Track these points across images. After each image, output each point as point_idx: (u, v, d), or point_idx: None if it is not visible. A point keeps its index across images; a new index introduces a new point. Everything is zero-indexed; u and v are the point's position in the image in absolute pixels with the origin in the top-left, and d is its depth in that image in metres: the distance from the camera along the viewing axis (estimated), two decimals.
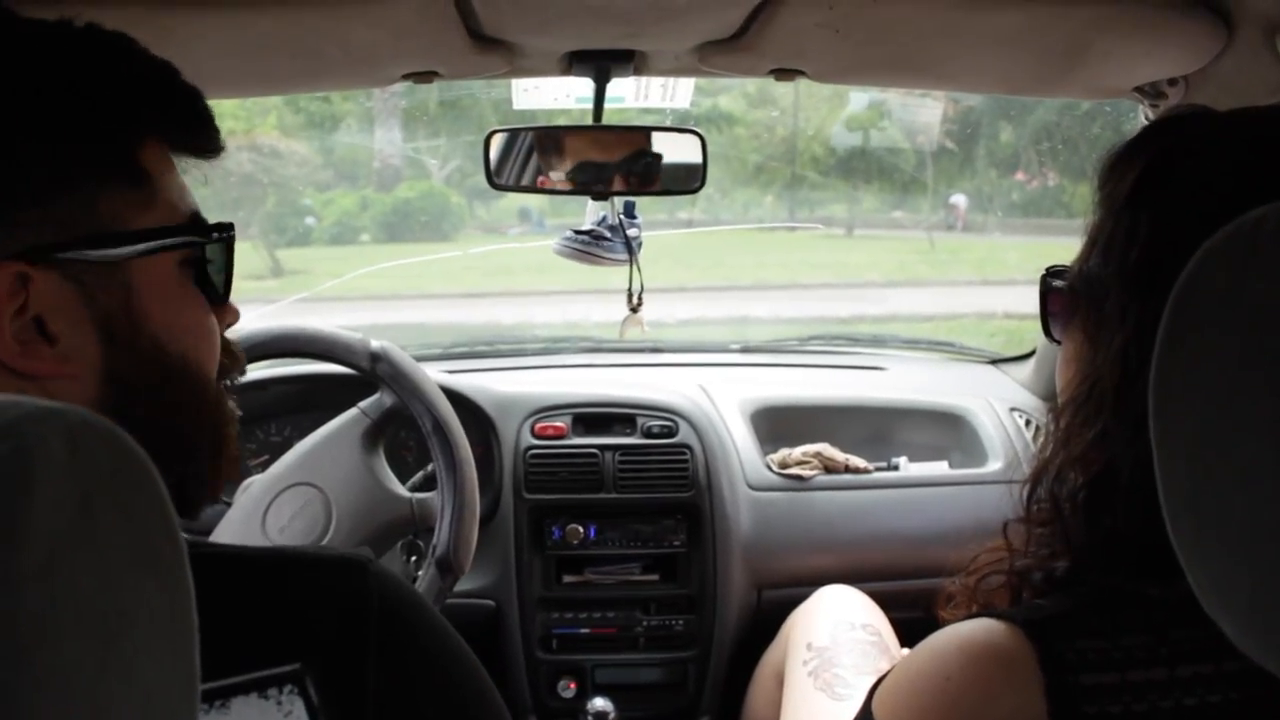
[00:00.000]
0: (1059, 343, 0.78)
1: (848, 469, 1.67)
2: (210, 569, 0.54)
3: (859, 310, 5.74)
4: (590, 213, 1.46)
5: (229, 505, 1.33)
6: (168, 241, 0.59)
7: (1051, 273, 0.79)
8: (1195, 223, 0.60)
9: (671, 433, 1.63)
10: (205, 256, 0.62)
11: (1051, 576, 0.69)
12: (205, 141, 0.63)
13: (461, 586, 1.30)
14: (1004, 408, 1.77)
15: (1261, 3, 0.98)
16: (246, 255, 0.66)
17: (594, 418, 1.65)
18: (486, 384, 1.68)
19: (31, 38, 0.57)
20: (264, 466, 1.37)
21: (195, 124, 0.63)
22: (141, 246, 0.58)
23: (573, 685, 1.59)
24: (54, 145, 0.55)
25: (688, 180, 1.30)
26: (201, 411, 0.63)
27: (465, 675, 0.64)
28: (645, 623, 1.60)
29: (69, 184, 0.55)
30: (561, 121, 1.57)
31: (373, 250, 6.39)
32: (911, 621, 1.14)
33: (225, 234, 0.64)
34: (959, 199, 5.98)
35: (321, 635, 0.57)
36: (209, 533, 1.30)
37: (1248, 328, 0.53)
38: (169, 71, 0.61)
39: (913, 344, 2.24)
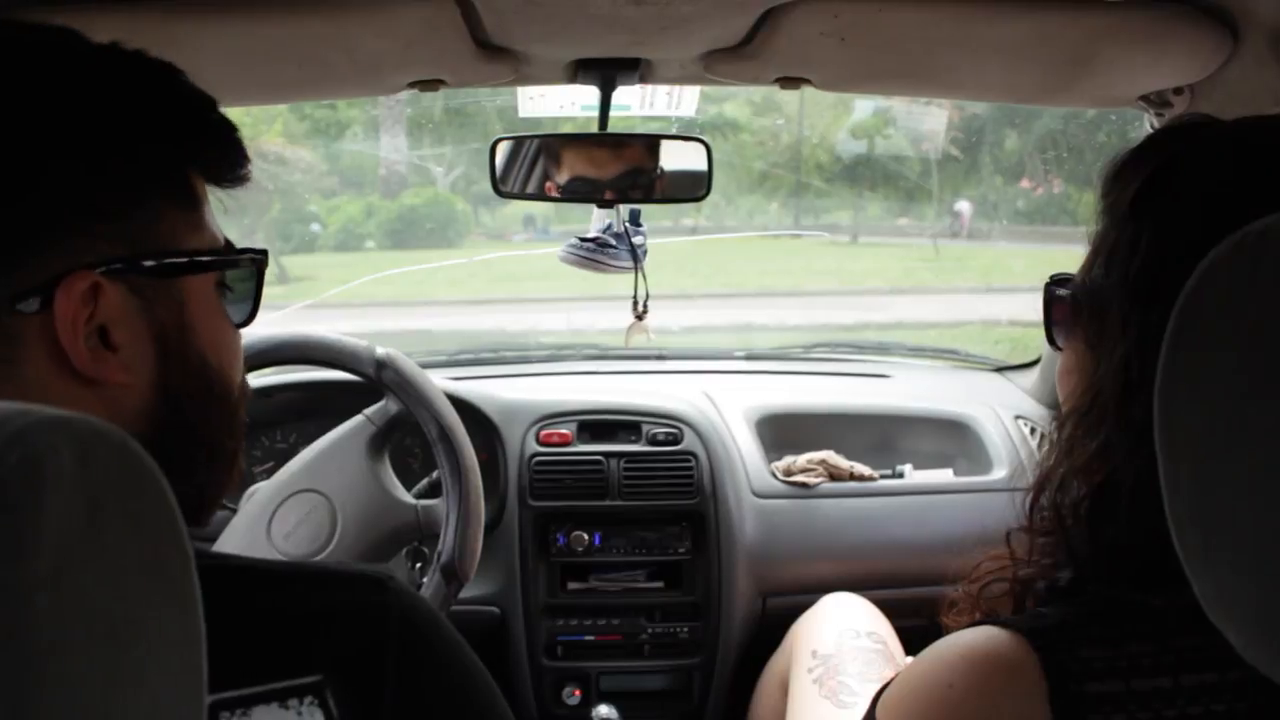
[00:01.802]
0: (1062, 350, 0.78)
1: (852, 476, 1.67)
2: (235, 582, 0.57)
3: (863, 317, 5.74)
4: (596, 220, 1.46)
5: (234, 512, 1.33)
6: (218, 260, 0.63)
7: (1055, 281, 0.79)
8: (1197, 233, 0.60)
9: (676, 440, 1.63)
10: (236, 279, 0.66)
11: (1055, 586, 0.69)
12: (237, 171, 0.66)
13: (466, 594, 1.30)
14: (1009, 415, 1.77)
15: (1267, 12, 0.98)
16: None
17: (599, 425, 1.65)
18: (491, 391, 1.69)
19: (97, 59, 0.59)
20: (269, 473, 1.37)
21: (232, 154, 0.65)
22: (199, 261, 0.61)
23: (577, 692, 1.59)
24: (129, 162, 0.58)
25: (693, 188, 1.30)
26: (232, 422, 0.66)
27: (478, 693, 0.65)
28: (650, 630, 1.60)
29: (139, 201, 0.58)
30: (567, 129, 1.58)
31: (378, 257, 6.40)
32: (916, 629, 1.14)
33: (263, 259, 0.67)
34: (964, 205, 5.98)
35: (342, 649, 0.58)
36: (214, 539, 1.31)
37: (1252, 338, 0.53)
38: (210, 101, 0.64)
39: (917, 351, 2.23)
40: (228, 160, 0.65)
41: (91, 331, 0.56)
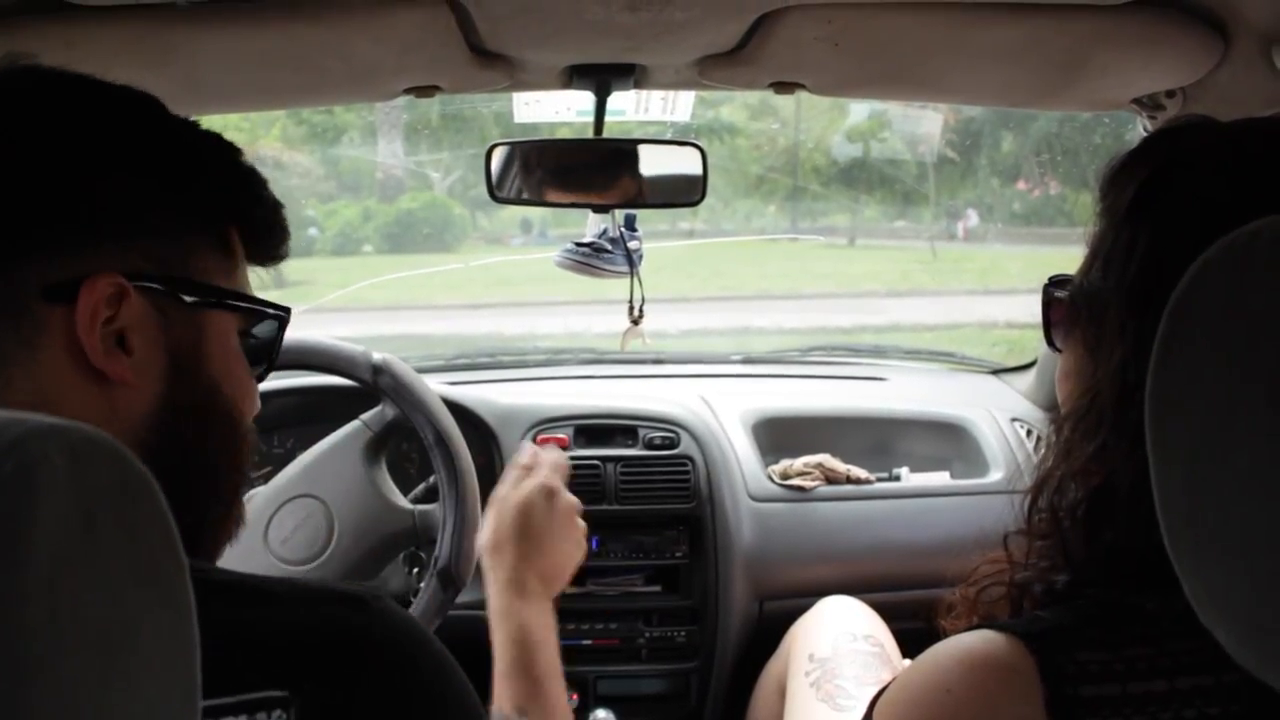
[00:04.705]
0: (1061, 351, 0.78)
1: (849, 480, 1.67)
2: (217, 596, 0.57)
3: (861, 320, 5.74)
4: (591, 225, 1.46)
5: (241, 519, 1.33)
6: (238, 304, 0.68)
7: (1054, 282, 0.78)
8: (1194, 236, 0.59)
9: (673, 444, 1.63)
10: (258, 329, 0.72)
11: (1052, 589, 0.69)
12: (277, 249, 0.73)
13: (464, 598, 1.30)
14: (1005, 418, 1.78)
15: (1257, 16, 0.98)
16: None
17: (596, 429, 1.65)
18: (488, 395, 1.69)
19: (180, 125, 0.68)
20: (266, 478, 1.37)
21: (275, 229, 0.73)
22: (219, 296, 0.66)
23: (575, 696, 1.58)
24: (181, 194, 0.65)
25: (688, 192, 1.30)
26: (237, 455, 0.70)
27: (461, 716, 0.65)
28: (647, 634, 1.60)
29: (178, 231, 0.65)
30: (563, 134, 1.58)
31: (375, 261, 6.40)
32: (913, 632, 1.14)
33: (285, 315, 0.73)
34: (969, 212, 5.99)
35: (315, 666, 0.59)
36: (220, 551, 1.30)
37: (1244, 340, 0.54)
38: (263, 180, 0.71)
39: (914, 354, 2.24)
40: (270, 233, 0.72)
41: (110, 332, 0.60)
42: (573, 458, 1.60)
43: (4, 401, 0.57)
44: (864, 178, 6.15)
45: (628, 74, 1.19)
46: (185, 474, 0.64)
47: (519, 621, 1.02)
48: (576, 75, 1.20)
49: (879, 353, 2.23)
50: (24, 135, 0.60)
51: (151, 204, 0.63)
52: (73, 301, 0.59)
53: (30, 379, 0.58)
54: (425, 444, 1.31)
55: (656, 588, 1.61)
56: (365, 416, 1.35)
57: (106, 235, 0.61)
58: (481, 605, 1.57)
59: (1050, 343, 0.80)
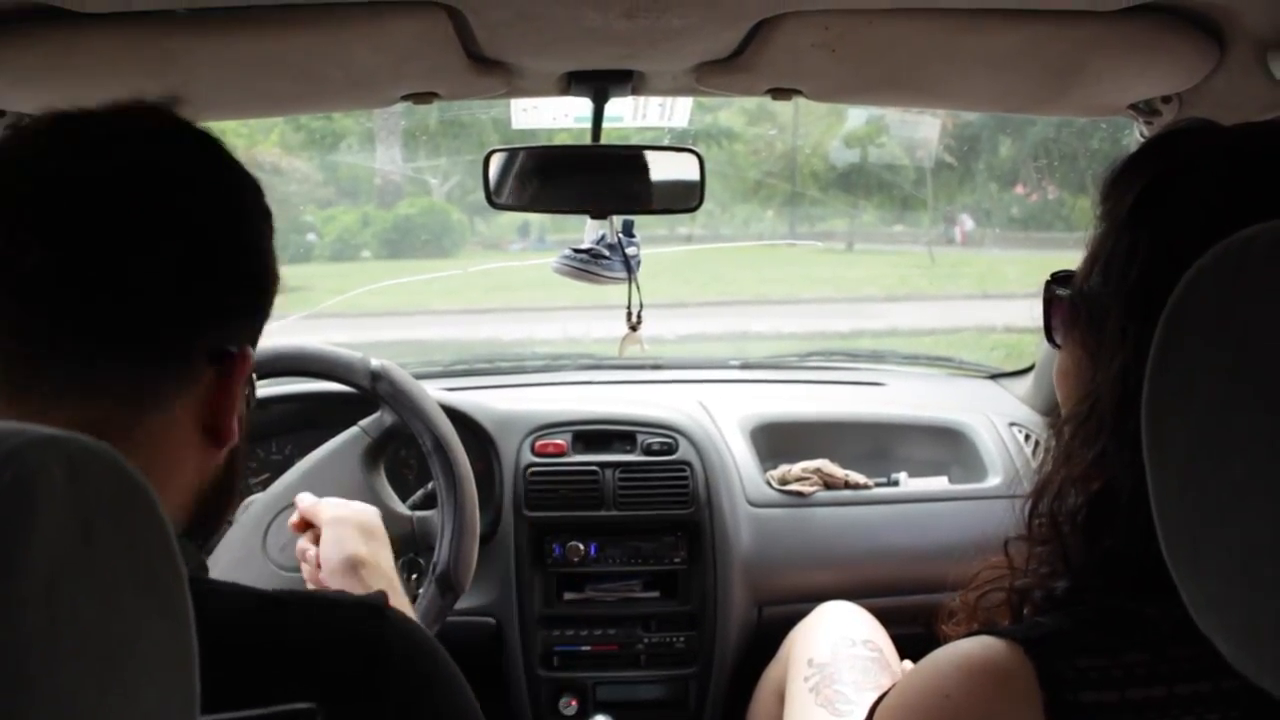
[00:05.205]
0: (1060, 349, 0.77)
1: (847, 485, 1.67)
2: (233, 607, 0.60)
3: (859, 325, 5.74)
4: (589, 231, 1.46)
5: (230, 524, 1.33)
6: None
7: (1056, 280, 0.78)
8: (1194, 241, 0.59)
9: (671, 449, 1.63)
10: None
11: (1051, 595, 0.69)
12: None
13: (462, 604, 1.30)
14: (1003, 423, 1.78)
15: (1253, 22, 0.99)
16: None
17: (594, 435, 1.65)
18: (486, 402, 1.69)
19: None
20: (265, 485, 1.37)
21: None
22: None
23: (574, 703, 1.58)
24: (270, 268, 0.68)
25: (686, 198, 1.30)
26: (241, 477, 0.73)
27: None
28: (646, 640, 1.60)
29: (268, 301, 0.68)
30: (560, 140, 1.58)
31: (374, 267, 6.40)
32: (912, 637, 1.14)
33: None
34: (963, 217, 5.99)
35: (338, 677, 0.60)
36: (210, 551, 1.31)
37: (1238, 346, 0.54)
38: None
39: (912, 359, 2.24)
40: None
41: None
42: (571, 464, 1.61)
43: (133, 453, 0.58)
44: (862, 183, 6.15)
45: (625, 80, 1.20)
46: (219, 509, 0.69)
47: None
48: (574, 82, 1.20)
49: (877, 358, 2.24)
50: (210, 193, 0.63)
51: (272, 278, 0.67)
52: (225, 364, 0.62)
53: (167, 435, 0.60)
54: (424, 450, 1.31)
55: (655, 593, 1.61)
56: (363, 423, 1.35)
57: (264, 302, 0.65)
58: (480, 610, 1.58)
59: (1051, 340, 0.80)
